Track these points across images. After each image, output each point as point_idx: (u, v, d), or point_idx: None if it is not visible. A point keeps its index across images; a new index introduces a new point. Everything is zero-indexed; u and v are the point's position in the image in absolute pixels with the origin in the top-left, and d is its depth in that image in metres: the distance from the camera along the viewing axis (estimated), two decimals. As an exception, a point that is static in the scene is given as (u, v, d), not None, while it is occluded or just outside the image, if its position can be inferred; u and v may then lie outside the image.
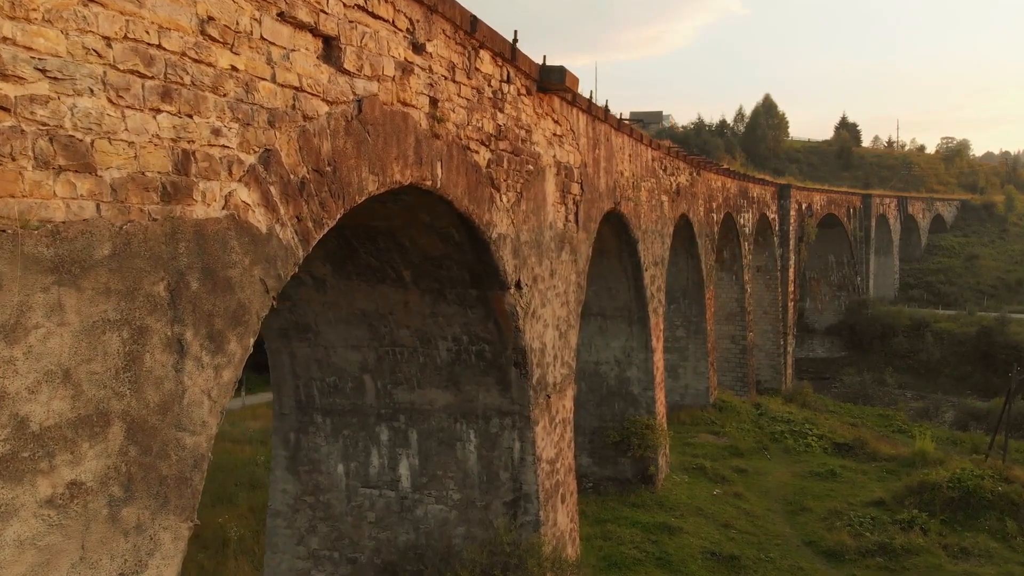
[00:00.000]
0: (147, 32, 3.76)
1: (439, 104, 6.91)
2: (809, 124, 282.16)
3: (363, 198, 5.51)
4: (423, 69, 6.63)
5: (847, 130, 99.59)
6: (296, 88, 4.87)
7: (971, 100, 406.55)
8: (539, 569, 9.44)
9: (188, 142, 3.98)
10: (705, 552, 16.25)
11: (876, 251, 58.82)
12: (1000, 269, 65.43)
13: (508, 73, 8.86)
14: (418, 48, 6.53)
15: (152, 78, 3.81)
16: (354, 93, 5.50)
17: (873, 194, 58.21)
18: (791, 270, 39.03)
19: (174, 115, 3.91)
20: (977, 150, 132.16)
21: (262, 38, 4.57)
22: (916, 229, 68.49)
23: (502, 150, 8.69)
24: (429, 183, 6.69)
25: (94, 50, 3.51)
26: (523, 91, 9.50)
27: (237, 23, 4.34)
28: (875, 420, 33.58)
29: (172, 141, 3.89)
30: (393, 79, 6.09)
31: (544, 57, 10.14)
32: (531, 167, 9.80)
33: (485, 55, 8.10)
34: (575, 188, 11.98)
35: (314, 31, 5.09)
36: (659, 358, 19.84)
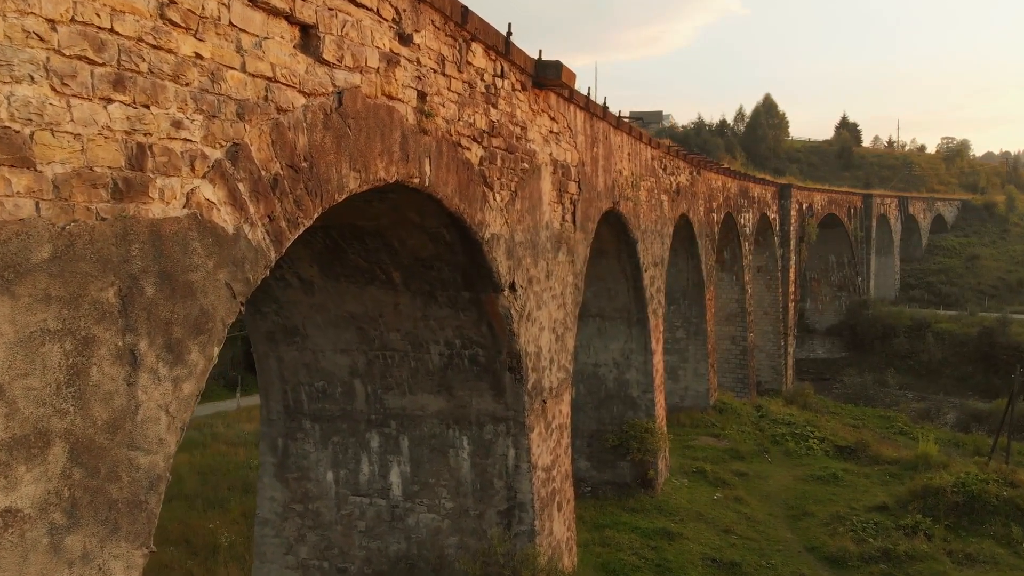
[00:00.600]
0: (98, 15, 3.44)
1: (428, 98, 6.58)
2: (809, 124, 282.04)
3: (344, 196, 5.18)
4: (410, 61, 6.31)
5: (847, 130, 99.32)
6: (269, 78, 4.54)
7: (971, 100, 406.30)
8: (534, 581, 9.12)
9: (144, 135, 3.66)
10: (705, 559, 15.92)
11: (877, 251, 58.54)
12: (1001, 269, 65.17)
13: (502, 67, 8.53)
14: (405, 39, 6.20)
15: (103, 65, 3.48)
16: (334, 85, 5.17)
17: (874, 194, 57.93)
18: (792, 270, 38.72)
19: (128, 105, 3.58)
20: (977, 150, 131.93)
21: (231, 24, 4.25)
22: (917, 229, 68.21)
23: (495, 147, 8.36)
24: (417, 181, 6.36)
25: (36, 33, 3.19)
26: (518, 86, 9.17)
27: (203, 8, 4.02)
28: (876, 421, 33.28)
29: (126, 134, 3.56)
30: (377, 71, 5.77)
31: (540, 52, 9.82)
32: (526, 165, 9.48)
33: (477, 48, 7.77)
34: (572, 187, 11.66)
35: (290, 18, 4.77)
36: (659, 360, 19.52)
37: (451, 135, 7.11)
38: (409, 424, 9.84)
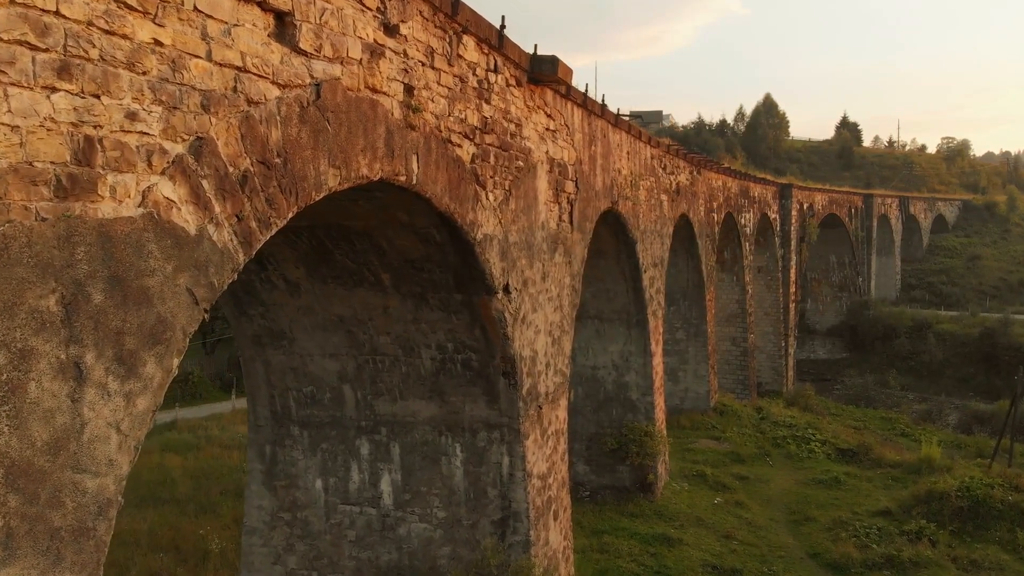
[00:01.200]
0: (42, -5, 3.12)
1: (415, 92, 6.27)
2: (810, 124, 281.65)
3: (322, 194, 4.87)
4: (396, 53, 5.99)
5: (848, 130, 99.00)
6: (238, 68, 4.23)
7: (971, 100, 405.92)
8: (529, 594, 8.81)
9: (94, 127, 3.34)
10: (706, 565, 15.61)
11: (878, 251, 58.26)
12: (1002, 270, 64.90)
13: (495, 62, 8.22)
14: (390, 30, 5.88)
15: (47, 51, 3.17)
16: (312, 76, 4.86)
17: (875, 194, 57.63)
18: (792, 271, 38.42)
19: (75, 95, 3.27)
20: (977, 150, 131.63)
21: (196, 10, 3.93)
22: (918, 229, 67.92)
23: (488, 144, 8.04)
24: (403, 178, 6.04)
25: (-33, 14, 2.87)
26: (512, 82, 8.85)
27: (163, -10, 3.70)
28: (878, 423, 32.98)
29: (72, 126, 3.25)
30: (360, 63, 5.45)
31: (535, 46, 9.50)
32: (521, 163, 9.16)
33: (469, 41, 7.46)
34: (569, 186, 11.34)
35: (263, 5, 4.45)
36: (658, 362, 19.20)
37: (441, 131, 6.79)
38: (400, 431, 9.53)
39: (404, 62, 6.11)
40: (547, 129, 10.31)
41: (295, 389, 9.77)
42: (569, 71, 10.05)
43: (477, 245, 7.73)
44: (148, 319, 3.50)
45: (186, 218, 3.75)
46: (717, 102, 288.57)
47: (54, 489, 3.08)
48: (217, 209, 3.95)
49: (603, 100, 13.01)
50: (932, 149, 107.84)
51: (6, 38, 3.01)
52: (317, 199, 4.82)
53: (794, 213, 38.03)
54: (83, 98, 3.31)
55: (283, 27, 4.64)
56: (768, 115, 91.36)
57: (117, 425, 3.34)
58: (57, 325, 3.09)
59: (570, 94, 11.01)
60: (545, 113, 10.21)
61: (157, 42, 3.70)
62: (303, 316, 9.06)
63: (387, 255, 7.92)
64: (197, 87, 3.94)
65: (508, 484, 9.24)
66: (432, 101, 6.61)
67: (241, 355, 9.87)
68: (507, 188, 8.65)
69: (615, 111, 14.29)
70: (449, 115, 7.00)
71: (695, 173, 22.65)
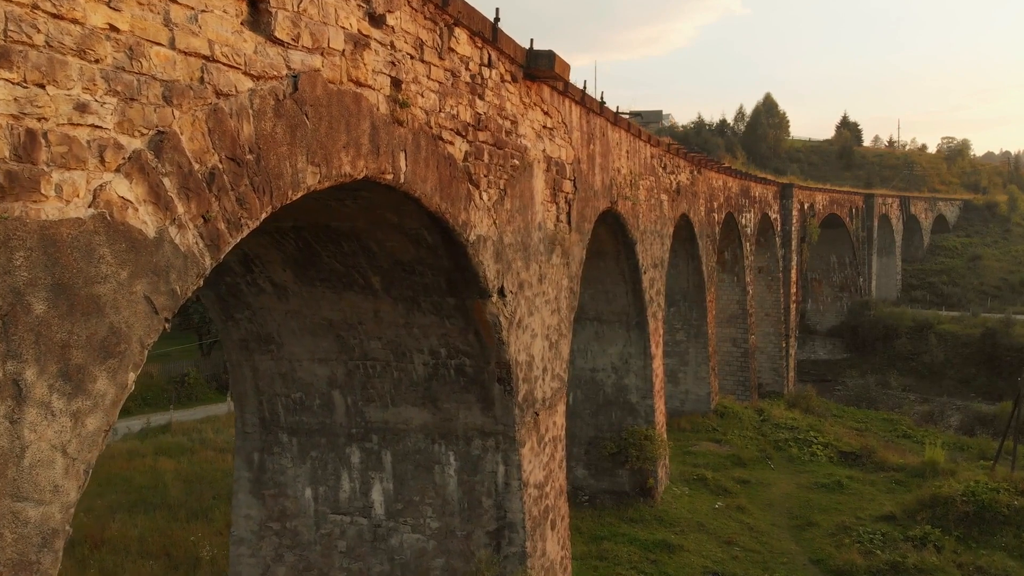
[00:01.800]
0: (-23, -27, 2.81)
1: (403, 86, 5.95)
2: (810, 124, 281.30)
3: (300, 193, 4.56)
4: (383, 45, 5.68)
5: (848, 129, 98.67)
6: (206, 57, 3.91)
7: (971, 100, 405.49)
8: (524, 608, 8.50)
9: (38, 120, 3.03)
10: (707, 572, 15.31)
11: (878, 251, 57.97)
12: (1003, 270, 64.62)
13: (489, 56, 7.90)
14: (376, 20, 5.57)
15: (-17, 33, 2.85)
16: (289, 67, 4.54)
17: (876, 194, 57.33)
18: (793, 271, 38.13)
19: (16, 84, 2.96)
20: (977, 150, 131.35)
21: (159, -7, 3.62)
22: (919, 229, 67.63)
23: (482, 142, 7.73)
24: (390, 177, 5.73)
25: None
26: (507, 77, 8.54)
27: (120, -29, 3.39)
28: (880, 425, 32.69)
29: (12, 118, 2.94)
30: (343, 54, 5.13)
31: (531, 41, 9.19)
32: (516, 161, 8.85)
33: (461, 34, 7.15)
34: (567, 185, 11.03)
35: (236, -10, 4.14)
36: (658, 364, 18.89)
37: (431, 127, 6.48)
38: (392, 438, 9.22)
39: (391, 54, 5.80)
40: (544, 127, 10.00)
41: (283, 395, 9.46)
42: (566, 66, 9.73)
43: (470, 247, 7.42)
44: (99, 330, 3.19)
45: (144, 219, 3.43)
46: (717, 102, 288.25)
47: (-12, 521, 2.77)
48: (180, 209, 3.64)
49: (601, 97, 12.69)
50: (932, 149, 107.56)
51: (-65, 19, 2.71)
52: (295, 198, 4.51)
53: (795, 213, 37.73)
54: (25, 88, 2.99)
55: (257, 14, 4.33)
56: (768, 115, 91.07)
57: (63, 448, 3.03)
58: (-9, 339, 2.78)
59: (567, 91, 10.70)
60: (542, 110, 9.90)
61: (112, 27, 3.38)
62: (291, 320, 8.75)
63: (377, 257, 7.61)
64: (158, 77, 3.63)
65: (503, 494, 8.93)
66: (422, 96, 6.30)
67: (228, 360, 9.56)
68: (502, 187, 8.34)
69: (614, 109, 13.98)
70: (440, 111, 6.69)
71: (695, 172, 22.34)
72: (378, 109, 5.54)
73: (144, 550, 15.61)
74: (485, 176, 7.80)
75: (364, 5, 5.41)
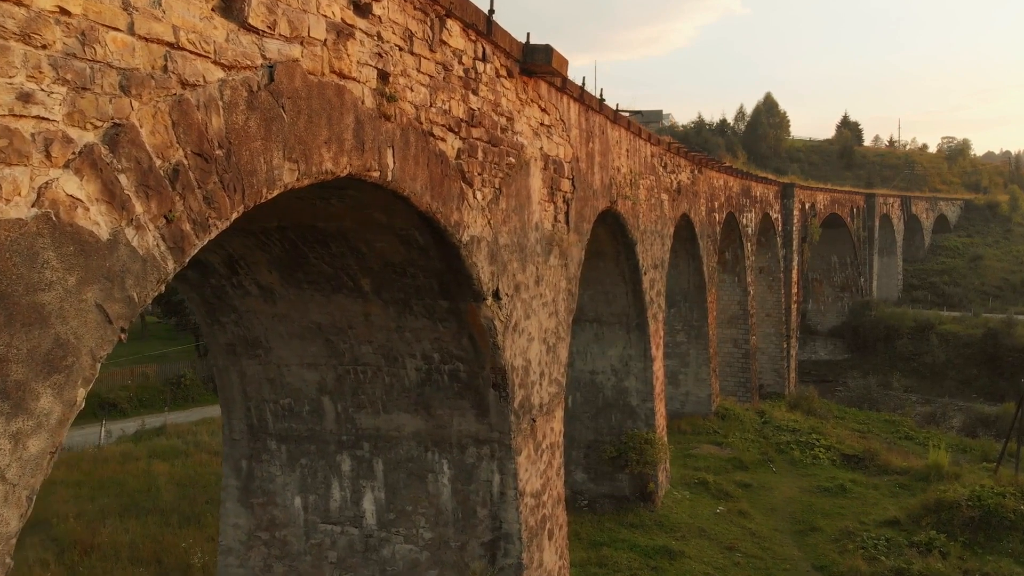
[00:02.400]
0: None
1: (391, 79, 5.64)
2: (810, 124, 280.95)
3: (276, 191, 4.25)
4: (368, 35, 5.37)
5: (849, 129, 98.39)
6: (170, 44, 3.60)
7: (971, 100, 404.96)
8: (520, 622, 8.20)
9: (-29, 109, 2.72)
10: (708, 579, 15.01)
11: (879, 251, 57.71)
12: (1005, 270, 64.38)
13: (483, 50, 7.60)
14: (361, 9, 5.26)
15: (-93, 12, 2.55)
16: (264, 57, 4.24)
17: (877, 193, 57.05)
18: (794, 271, 37.84)
19: (-54, 68, 2.65)
20: (977, 150, 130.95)
21: (116, -27, 3.31)
22: (920, 229, 67.36)
23: (476, 139, 7.42)
24: (377, 175, 5.42)
25: None
26: (503, 72, 8.23)
27: (72, -52, 3.08)
28: (882, 426, 32.42)
29: (-59, 106, 2.63)
30: (324, 44, 4.83)
31: (528, 35, 8.88)
32: (512, 159, 8.54)
33: (454, 26, 6.84)
34: (565, 184, 10.72)
35: (205, -28, 3.83)
36: (659, 367, 18.58)
37: (421, 122, 6.17)
38: (384, 446, 8.91)
39: (378, 45, 5.49)
40: (541, 124, 9.70)
41: (272, 401, 9.16)
42: (564, 61, 9.43)
43: (463, 247, 7.11)
44: (42, 343, 2.89)
45: (96, 220, 3.12)
46: (717, 102, 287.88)
47: (-91, 559, 2.47)
48: (138, 209, 3.33)
49: (600, 94, 12.39)
50: (933, 149, 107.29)
51: None
52: (271, 197, 4.20)
53: (796, 213, 37.45)
54: (-43, 73, 2.69)
55: (229, 0, 4.02)
56: (769, 114, 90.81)
57: (2, 473, 2.73)
58: (-89, 354, 2.47)
59: (565, 87, 10.40)
60: (539, 107, 9.59)
61: (63, 11, 3.08)
62: (279, 323, 8.44)
63: (366, 259, 7.30)
64: (115, 65, 3.32)
65: (499, 503, 8.63)
66: (411, 90, 5.99)
67: (215, 365, 9.26)
68: (497, 186, 8.04)
69: (614, 106, 13.67)
70: (431, 106, 6.38)
71: (696, 172, 22.04)
72: (363, 103, 5.23)
73: (135, 556, 15.32)
74: (479, 174, 7.50)
75: (348, -8, 5.10)
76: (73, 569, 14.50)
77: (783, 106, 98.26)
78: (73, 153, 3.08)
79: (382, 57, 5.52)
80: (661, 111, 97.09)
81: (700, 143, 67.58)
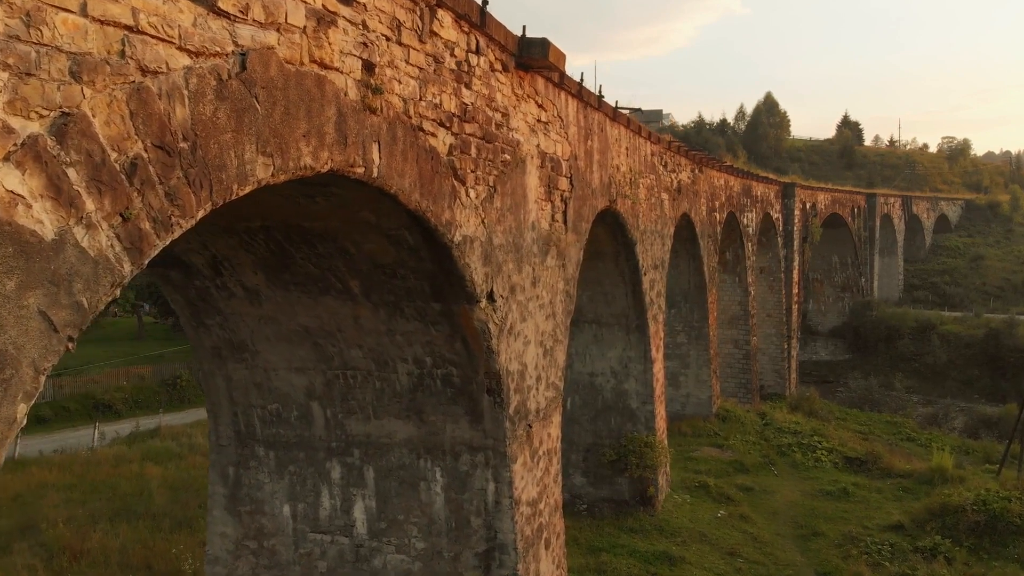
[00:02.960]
0: None
1: (376, 70, 5.35)
2: (810, 124, 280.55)
3: (248, 187, 3.96)
4: (352, 23, 5.08)
5: (849, 128, 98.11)
6: (128, 28, 3.31)
7: (971, 100, 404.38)
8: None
9: None
10: (709, 586, 14.72)
11: (880, 251, 57.43)
12: (1006, 270, 64.15)
13: (477, 42, 7.30)
14: (345, -5, 4.97)
15: None
16: (236, 44, 3.94)
17: (878, 193, 56.77)
18: (795, 271, 37.55)
19: None
20: (978, 150, 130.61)
21: (67, -51, 3.02)
22: (920, 229, 67.10)
23: (469, 134, 7.13)
24: (361, 171, 5.12)
25: None
26: (497, 66, 7.94)
27: (13, -81, 2.79)
28: (883, 427, 32.16)
29: None
30: (304, 31, 4.53)
31: (524, 27, 8.59)
32: (508, 156, 8.25)
33: (445, 16, 6.55)
34: (563, 183, 10.43)
35: (170, -49, 3.53)
36: (659, 369, 18.29)
37: (410, 117, 5.88)
38: (375, 453, 8.62)
39: (363, 35, 5.19)
40: (538, 120, 9.40)
41: (259, 406, 8.86)
42: (561, 56, 9.14)
43: (455, 248, 6.82)
44: (-26, 354, 2.60)
45: (39, 218, 2.83)
46: (717, 102, 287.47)
47: None
48: (90, 206, 3.04)
49: (599, 90, 12.10)
50: (933, 149, 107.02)
51: None
52: (243, 193, 3.91)
53: (797, 213, 37.16)
54: None
55: (198, -19, 3.73)
56: (769, 114, 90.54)
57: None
58: None
59: (563, 82, 10.10)
60: (536, 103, 9.30)
61: (3, -14, 2.78)
62: (265, 326, 8.15)
63: (354, 260, 7.01)
64: (65, 49, 3.03)
65: (494, 513, 8.33)
66: (399, 82, 5.70)
67: (201, 369, 8.97)
68: (491, 184, 7.74)
69: (613, 103, 13.38)
70: (420, 99, 6.09)
71: (697, 171, 21.75)
72: (346, 94, 4.94)
73: (124, 562, 15.03)
74: (472, 172, 7.20)
75: (330, -22, 4.81)
76: (61, 575, 14.22)
77: (783, 106, 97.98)
78: (15, 145, 2.79)
79: (367, 47, 5.23)
80: (661, 111, 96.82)
81: (700, 143, 67.30)
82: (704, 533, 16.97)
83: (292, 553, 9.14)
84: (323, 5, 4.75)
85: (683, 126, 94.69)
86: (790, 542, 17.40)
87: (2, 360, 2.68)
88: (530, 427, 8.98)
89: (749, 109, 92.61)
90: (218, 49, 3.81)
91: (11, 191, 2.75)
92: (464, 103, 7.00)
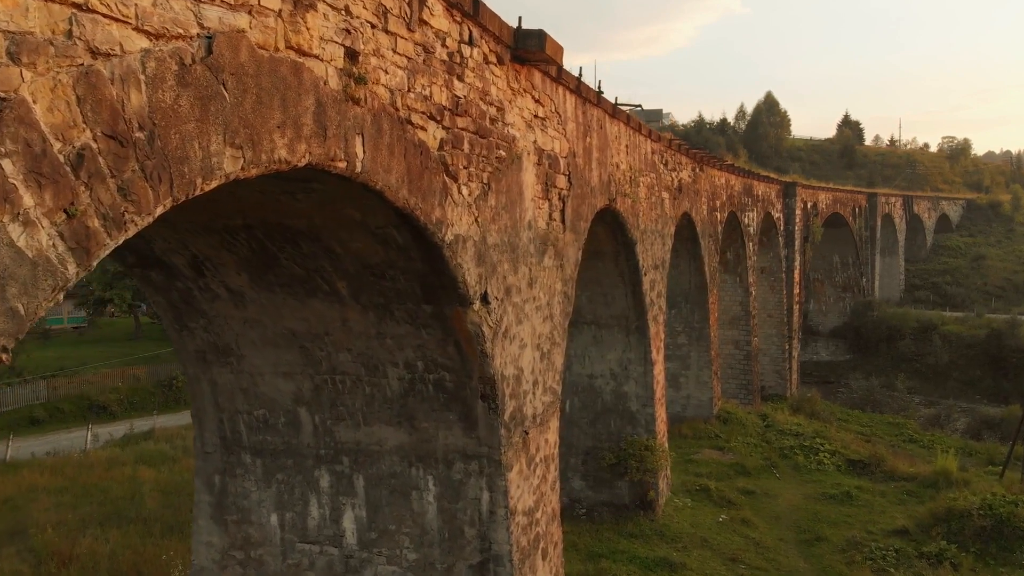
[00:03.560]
0: None
1: (360, 58, 5.03)
2: (811, 124, 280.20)
3: (215, 182, 3.64)
4: (334, 8, 4.76)
5: (850, 128, 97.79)
6: (77, 6, 2.99)
7: (971, 100, 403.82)
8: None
9: None
10: (711, 593, 14.41)
11: (881, 251, 57.14)
12: (1008, 270, 63.89)
13: (470, 32, 6.99)
14: (326, -22, 4.65)
15: None
16: (201, 26, 3.62)
17: (879, 193, 56.45)
18: (796, 271, 37.24)
19: None
20: (978, 150, 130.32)
21: (4, -85, 2.70)
22: (921, 229, 66.80)
23: (461, 128, 6.81)
24: (343, 165, 4.81)
25: None
26: (492, 59, 7.63)
27: None
28: (885, 429, 31.85)
29: None
30: (279, 15, 4.21)
31: (519, 19, 8.27)
32: (503, 153, 7.93)
33: (435, 4, 6.23)
34: (561, 181, 10.11)
35: (126, -77, 3.21)
36: (659, 371, 17.97)
37: (397, 108, 5.56)
38: (365, 461, 8.30)
39: (346, 21, 4.88)
40: (535, 116, 9.09)
41: (245, 412, 8.55)
42: (559, 48, 8.82)
43: (446, 248, 6.50)
44: None
45: (-36, 214, 2.52)
46: (718, 101, 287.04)
47: None
48: (27, 201, 2.73)
49: (599, 86, 11.79)
50: (934, 149, 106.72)
51: None
52: (208, 188, 3.59)
53: (798, 212, 36.85)
54: None
55: (159, -43, 3.41)
56: (769, 113, 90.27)
57: None
58: None
59: (561, 77, 9.79)
60: (532, 98, 8.98)
61: (-76, -47, 2.47)
62: (250, 329, 7.83)
63: (341, 260, 6.69)
64: (1, 27, 2.71)
65: (488, 523, 8.02)
66: (385, 72, 5.38)
67: (185, 373, 8.66)
68: (485, 181, 7.43)
69: (612, 100, 13.07)
70: (409, 90, 5.77)
71: (698, 170, 21.43)
72: (327, 83, 4.62)
73: (114, 568, 14.73)
74: (465, 168, 6.89)
75: (310, -41, 4.49)
76: (50, 582, 13.93)
77: (784, 105, 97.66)
78: (-66, 131, 2.48)
79: (350, 34, 4.91)
80: (661, 110, 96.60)
81: (701, 142, 66.98)
82: (705, 538, 16.66)
83: (280, 564, 8.82)
84: (301, -13, 4.43)
85: (683, 125, 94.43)
86: (793, 547, 17.08)
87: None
88: (526, 433, 8.66)
89: (749, 109, 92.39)
90: (180, 31, 3.50)
91: (-69, 184, 2.44)
92: (456, 96, 6.68)
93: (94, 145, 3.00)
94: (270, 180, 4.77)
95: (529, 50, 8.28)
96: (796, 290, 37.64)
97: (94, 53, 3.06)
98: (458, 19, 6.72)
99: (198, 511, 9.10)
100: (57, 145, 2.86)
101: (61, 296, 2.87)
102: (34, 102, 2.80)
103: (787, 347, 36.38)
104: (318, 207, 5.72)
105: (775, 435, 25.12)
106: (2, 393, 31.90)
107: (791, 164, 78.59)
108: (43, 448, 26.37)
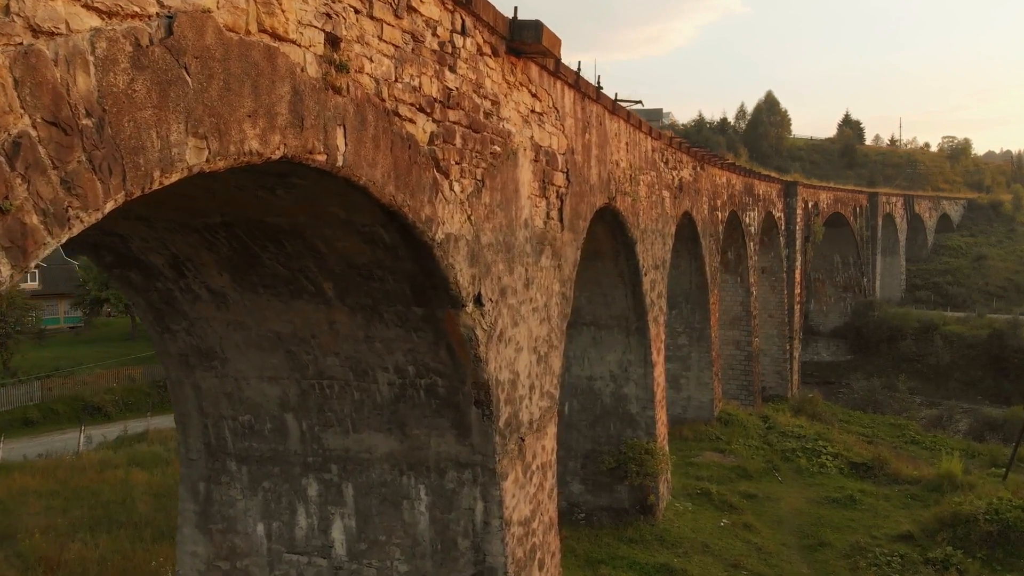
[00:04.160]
0: None
1: (342, 44, 4.71)
2: (811, 123, 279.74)
3: (176, 175, 3.32)
4: (314, -10, 4.44)
5: (851, 127, 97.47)
6: (13, -24, 2.68)
7: (971, 100, 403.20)
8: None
9: None
10: (713, 601, 14.11)
11: (882, 251, 56.85)
12: (1009, 270, 63.63)
13: (462, 22, 6.67)
14: (305, -42, 4.33)
15: None
16: (160, 4, 3.30)
17: (880, 192, 56.14)
18: (797, 271, 36.92)
19: None
20: (978, 150, 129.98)
21: None
22: (922, 229, 66.51)
23: (453, 122, 6.50)
24: (323, 158, 4.49)
25: None
26: (486, 50, 7.31)
27: None
28: (887, 430, 31.52)
29: None
30: (251, -5, 3.89)
31: (515, 9, 7.96)
32: (498, 148, 7.62)
33: (426, -9, 5.91)
34: (559, 178, 9.80)
35: None
36: (660, 372, 17.65)
37: (383, 99, 5.24)
38: (354, 469, 7.98)
39: (326, 4, 4.56)
40: (532, 111, 8.77)
41: (230, 417, 8.23)
42: (556, 40, 8.50)
43: (437, 247, 6.19)
44: None
45: None
46: (718, 101, 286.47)
47: None
48: (-51, 194, 2.42)
49: (598, 81, 11.46)
50: (934, 148, 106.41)
51: None
52: (168, 182, 3.28)
53: (799, 212, 36.54)
54: None
55: (112, -73, 3.09)
56: (770, 113, 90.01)
57: None
58: None
59: (559, 71, 9.47)
60: (529, 92, 8.67)
61: None
62: (234, 332, 7.52)
63: (326, 259, 6.38)
64: (-82, -5, 2.40)
65: (482, 534, 7.70)
66: (370, 60, 5.06)
67: (168, 377, 8.34)
68: (479, 177, 7.11)
69: (612, 96, 12.75)
70: (396, 81, 5.45)
71: (699, 168, 21.11)
72: (305, 70, 4.30)
73: (103, 573, 14.43)
74: (457, 163, 6.57)
75: (286, -63, 4.17)
76: (37, 588, 13.63)
77: (784, 105, 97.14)
78: None
79: (331, 18, 4.59)
80: (661, 109, 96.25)
81: (701, 141, 66.63)
82: (706, 543, 16.35)
83: (267, 575, 8.51)
84: (276, -33, 4.11)
85: (684, 125, 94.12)
86: (796, 553, 16.77)
87: None
88: (522, 440, 8.35)
89: (750, 108, 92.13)
90: (136, 9, 3.18)
91: None
92: (448, 88, 6.37)
93: (33, 133, 2.69)
94: (244, 174, 4.46)
95: (525, 42, 7.97)
96: (797, 290, 37.34)
97: (35, 31, 2.75)
98: (450, 7, 6.41)
99: (183, 519, 8.80)
100: (-13, 131, 2.55)
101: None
102: (-41, 83, 2.49)
103: (788, 347, 36.08)
104: (300, 204, 5.40)
105: (777, 437, 24.81)
106: (-4, 394, 31.61)
107: (792, 164, 78.30)
108: (35, 450, 26.05)
